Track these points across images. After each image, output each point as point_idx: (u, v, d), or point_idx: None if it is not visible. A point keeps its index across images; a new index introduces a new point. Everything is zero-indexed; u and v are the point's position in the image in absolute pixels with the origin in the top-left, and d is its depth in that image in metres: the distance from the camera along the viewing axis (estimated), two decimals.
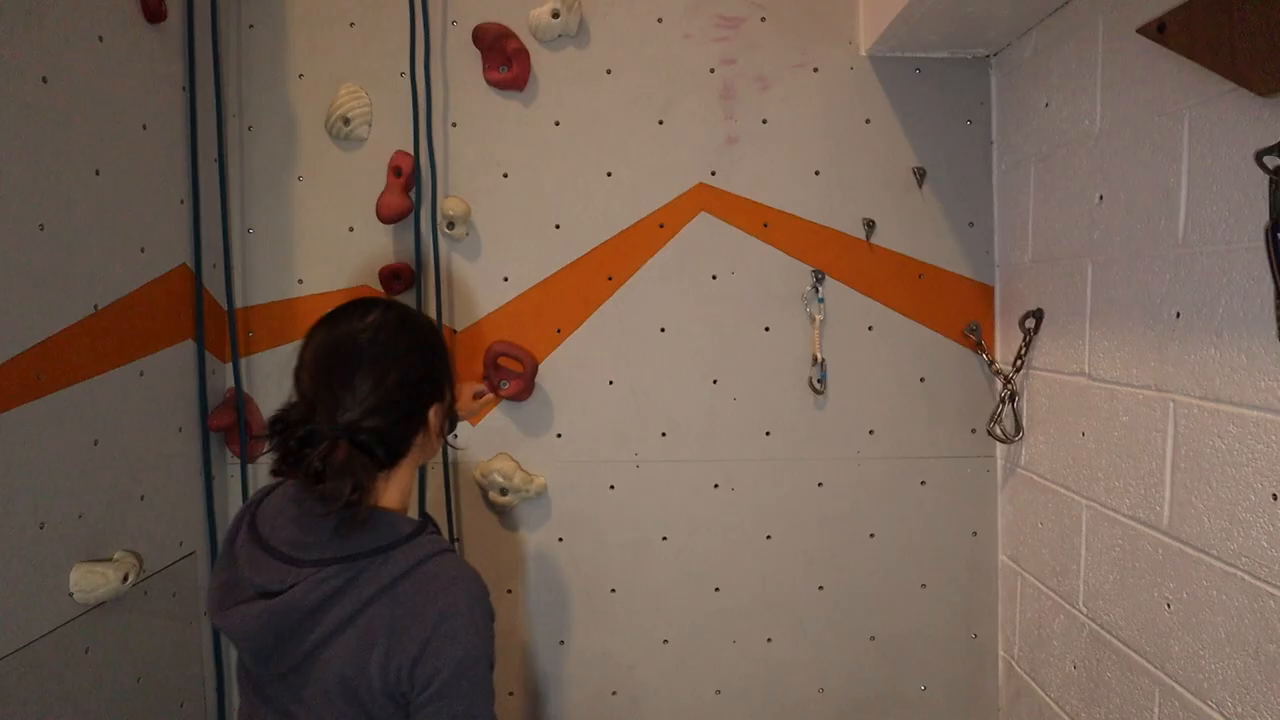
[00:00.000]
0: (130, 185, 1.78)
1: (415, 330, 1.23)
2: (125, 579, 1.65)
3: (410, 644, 1.06)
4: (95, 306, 1.68)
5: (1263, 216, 1.23)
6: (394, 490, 1.20)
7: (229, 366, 2.12)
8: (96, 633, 1.64)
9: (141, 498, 1.81)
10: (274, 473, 1.18)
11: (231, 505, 2.15)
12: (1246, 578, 1.30)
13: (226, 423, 2.08)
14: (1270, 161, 1.20)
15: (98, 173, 1.68)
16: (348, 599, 1.07)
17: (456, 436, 2.13)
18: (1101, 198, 1.66)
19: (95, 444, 1.67)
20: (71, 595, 1.57)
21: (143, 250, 1.82)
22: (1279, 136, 1.20)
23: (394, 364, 1.17)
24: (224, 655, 2.12)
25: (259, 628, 1.06)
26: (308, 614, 1.06)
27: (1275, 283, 1.19)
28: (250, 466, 2.15)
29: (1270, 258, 1.19)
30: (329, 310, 1.26)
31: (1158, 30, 1.41)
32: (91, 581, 1.59)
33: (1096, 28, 1.66)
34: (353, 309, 1.22)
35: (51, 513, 1.54)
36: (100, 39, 1.69)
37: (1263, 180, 1.22)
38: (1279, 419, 1.23)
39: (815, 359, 2.11)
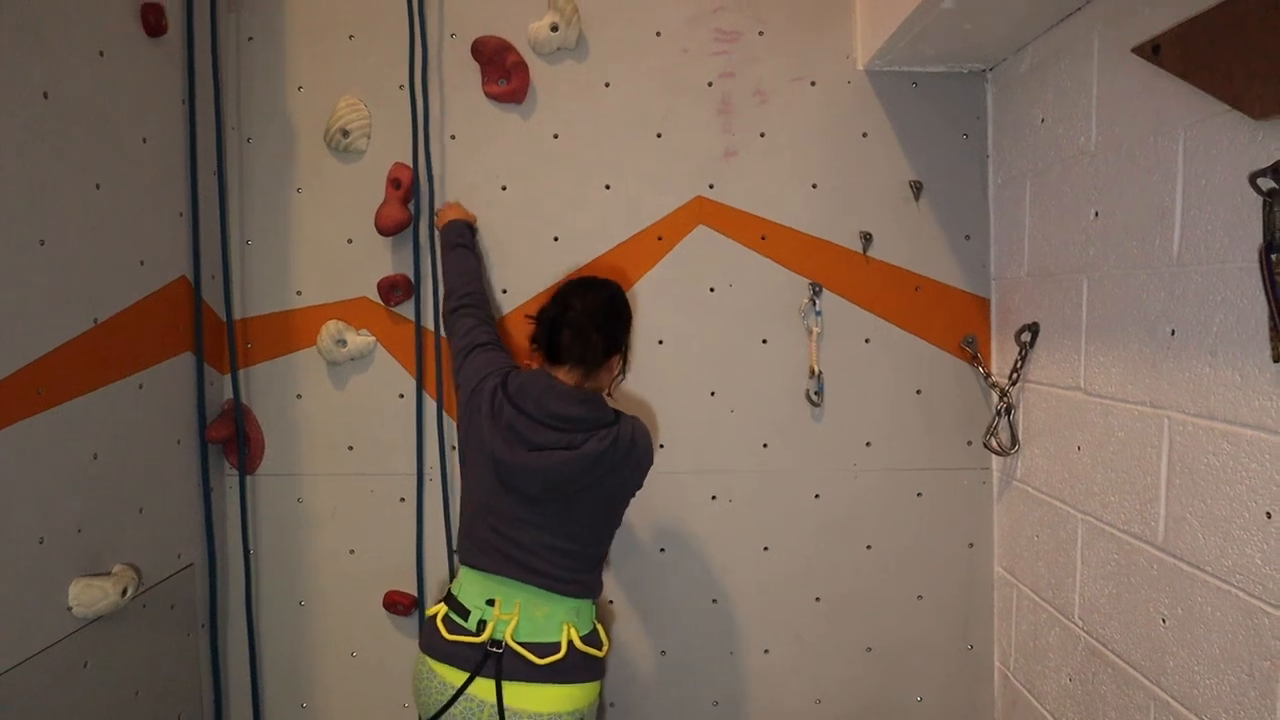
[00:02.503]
0: (130, 199, 1.79)
1: (623, 305, 1.74)
2: (124, 593, 1.65)
3: (640, 472, 1.66)
4: (95, 320, 1.68)
5: (1256, 237, 1.24)
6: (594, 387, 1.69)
7: (228, 378, 2.13)
8: (95, 647, 1.65)
9: (140, 511, 1.81)
10: (545, 357, 1.66)
11: (230, 517, 2.16)
12: (1241, 594, 1.31)
13: (224, 434, 2.08)
14: (1264, 184, 1.22)
15: (98, 187, 1.68)
16: (614, 449, 1.58)
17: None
18: (1097, 214, 1.67)
19: (94, 458, 1.67)
20: (70, 610, 1.58)
21: (142, 263, 1.83)
22: (1272, 159, 1.21)
23: (613, 316, 1.68)
24: (221, 668, 2.12)
25: (559, 467, 1.54)
26: (597, 457, 1.55)
27: (1269, 304, 1.20)
28: (248, 478, 2.16)
29: (1264, 279, 1.20)
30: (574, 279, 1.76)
31: (1152, 51, 1.42)
32: (91, 596, 1.60)
33: (1092, 45, 1.67)
34: (600, 279, 1.75)
35: (50, 527, 1.54)
36: (100, 54, 1.69)
37: (1256, 202, 1.23)
38: (1272, 438, 1.24)
39: (812, 371, 2.12)
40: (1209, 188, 1.36)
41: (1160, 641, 1.50)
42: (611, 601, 2.18)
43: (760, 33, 2.11)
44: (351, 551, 2.18)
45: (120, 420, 1.75)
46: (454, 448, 2.16)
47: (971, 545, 2.16)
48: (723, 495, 2.16)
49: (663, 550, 2.18)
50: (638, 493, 1.70)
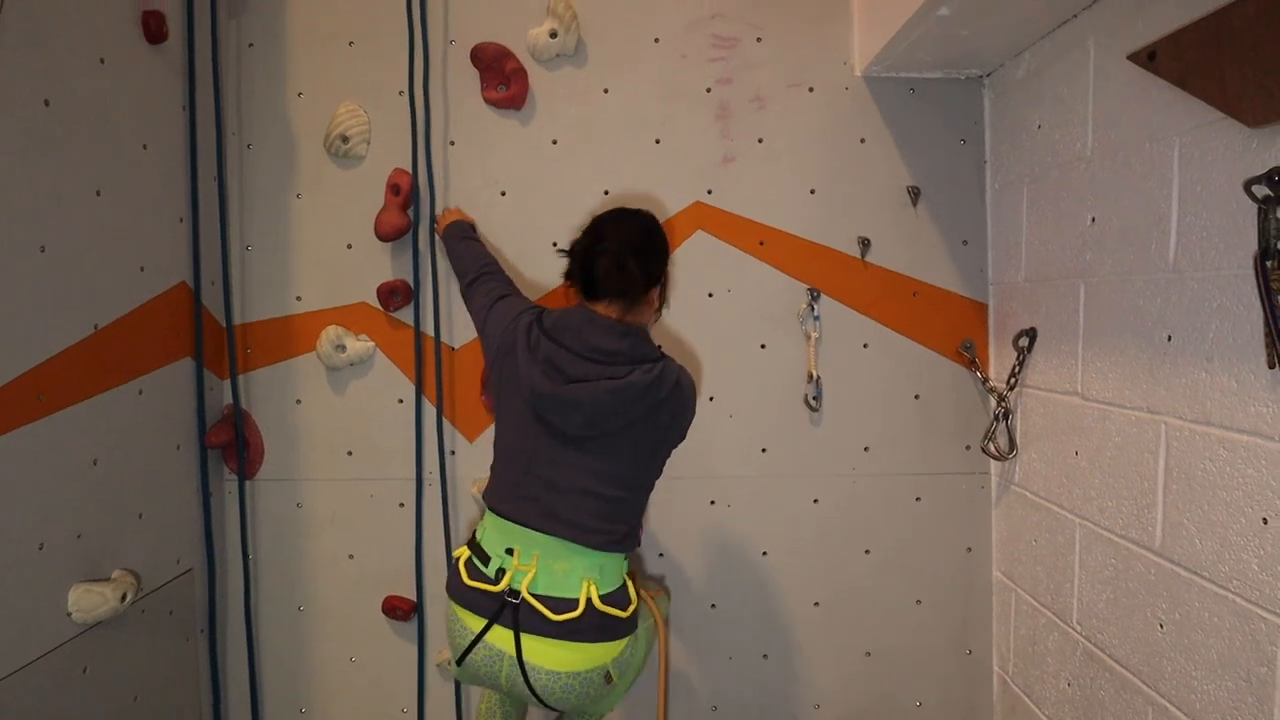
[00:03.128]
0: (130, 205, 1.79)
1: (659, 235, 1.66)
2: (123, 598, 1.65)
3: (683, 417, 1.60)
4: (95, 326, 1.68)
5: (1252, 244, 1.24)
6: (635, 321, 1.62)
7: (227, 383, 2.13)
8: (94, 652, 1.65)
9: (140, 516, 1.82)
10: (581, 292, 1.61)
11: (229, 522, 2.16)
12: (1238, 600, 1.31)
13: (224, 440, 2.08)
14: (1259, 191, 1.22)
15: (98, 193, 1.69)
16: (659, 384, 1.52)
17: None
18: (1093, 220, 1.68)
19: (94, 464, 1.67)
20: (70, 615, 1.58)
21: (142, 269, 1.83)
22: (1267, 166, 1.22)
23: (649, 246, 1.61)
24: (220, 673, 2.12)
25: (606, 395, 1.48)
26: (644, 389, 1.50)
27: (1264, 310, 1.20)
28: (248, 483, 2.16)
29: (1259, 286, 1.21)
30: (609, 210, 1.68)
31: (1148, 58, 1.43)
32: (90, 601, 1.60)
33: (1088, 52, 1.68)
34: (631, 208, 1.69)
35: (50, 533, 1.54)
36: (101, 61, 1.70)
37: (1251, 209, 1.24)
38: (1269, 444, 1.25)
39: (810, 376, 2.13)
40: (1205, 194, 1.37)
41: (1158, 647, 1.50)
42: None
43: (758, 39, 2.12)
44: (351, 556, 2.19)
45: (120, 426, 1.76)
46: (453, 452, 2.16)
47: (970, 550, 2.17)
48: (721, 500, 2.16)
49: (661, 555, 2.18)
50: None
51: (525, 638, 1.49)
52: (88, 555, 1.65)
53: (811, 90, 2.13)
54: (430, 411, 2.15)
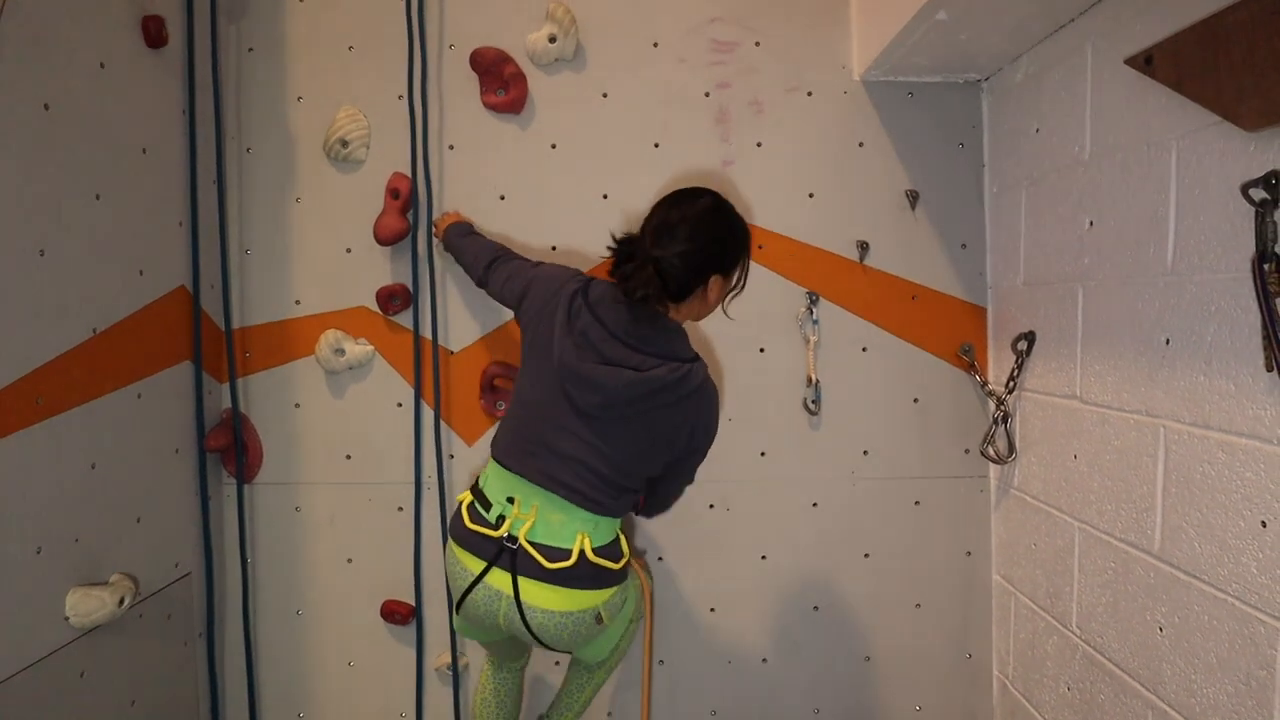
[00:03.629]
0: (130, 209, 1.79)
1: (725, 219, 1.60)
2: (121, 602, 1.65)
3: (699, 424, 1.60)
4: (94, 330, 1.68)
5: (1249, 247, 1.25)
6: (677, 317, 1.61)
7: (226, 387, 2.13)
8: (92, 656, 1.64)
9: (138, 520, 1.81)
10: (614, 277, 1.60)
11: (228, 526, 2.16)
12: (1237, 603, 1.31)
13: (223, 443, 2.08)
14: (1256, 194, 1.23)
15: (98, 197, 1.69)
16: (679, 386, 1.52)
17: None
18: (1091, 223, 1.68)
19: (93, 467, 1.67)
20: (68, 619, 1.57)
21: (141, 273, 1.83)
22: (1264, 169, 1.22)
23: (703, 234, 1.54)
24: (218, 677, 2.12)
25: (624, 385, 1.49)
26: (661, 387, 1.50)
27: (1262, 313, 1.20)
28: (246, 486, 2.16)
29: (1257, 289, 1.21)
30: (670, 192, 1.62)
31: (1145, 62, 1.43)
32: (88, 605, 1.59)
33: (1085, 56, 1.68)
34: (693, 189, 1.62)
35: (48, 537, 1.54)
36: (102, 65, 1.70)
37: (1249, 212, 1.24)
38: (1267, 447, 1.24)
39: (810, 380, 2.13)
40: (1202, 197, 1.37)
41: (1157, 650, 1.50)
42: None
43: (757, 43, 2.13)
44: (349, 561, 2.18)
45: (119, 430, 1.76)
46: (452, 456, 2.16)
47: (969, 553, 2.16)
48: (720, 504, 2.16)
49: (660, 559, 2.18)
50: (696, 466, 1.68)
51: (522, 580, 1.56)
52: (85, 559, 1.65)
53: (810, 94, 2.13)
54: (429, 415, 2.15)
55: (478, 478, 1.70)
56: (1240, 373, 1.29)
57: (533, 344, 1.64)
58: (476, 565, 1.59)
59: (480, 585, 1.58)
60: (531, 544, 1.56)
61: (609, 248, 1.62)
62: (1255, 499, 1.27)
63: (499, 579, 1.57)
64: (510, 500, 1.59)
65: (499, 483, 1.62)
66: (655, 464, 1.63)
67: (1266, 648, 1.25)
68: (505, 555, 1.57)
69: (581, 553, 1.56)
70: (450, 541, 1.67)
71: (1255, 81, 1.19)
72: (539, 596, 1.56)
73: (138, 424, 1.82)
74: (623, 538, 1.67)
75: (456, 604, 1.64)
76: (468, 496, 1.67)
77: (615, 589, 1.63)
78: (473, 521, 1.62)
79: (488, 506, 1.61)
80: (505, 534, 1.57)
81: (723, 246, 1.58)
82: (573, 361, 1.53)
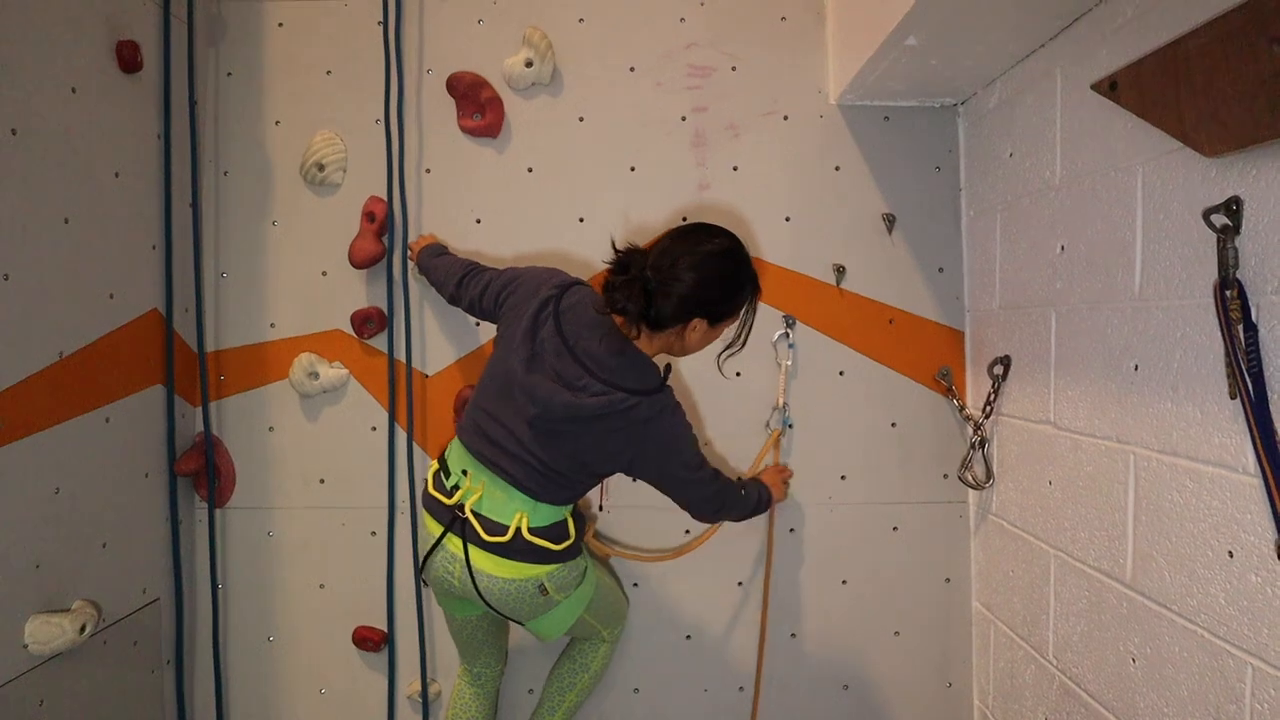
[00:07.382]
0: (100, 232, 1.79)
1: (731, 268, 1.56)
2: (82, 629, 1.63)
3: (639, 452, 1.59)
4: (60, 354, 1.68)
5: (1213, 273, 1.24)
6: (647, 346, 1.59)
7: (199, 410, 2.12)
8: (52, 685, 1.62)
9: (104, 545, 1.80)
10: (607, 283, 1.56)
11: (199, 551, 2.14)
12: (1207, 635, 1.29)
13: (194, 467, 2.06)
14: (1217, 220, 1.22)
15: (66, 221, 1.69)
16: (619, 417, 1.53)
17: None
18: (1063, 248, 1.67)
19: (56, 492, 1.66)
20: (26, 647, 1.55)
21: (111, 296, 1.83)
22: (1225, 195, 1.21)
23: (699, 274, 1.51)
24: (187, 706, 2.09)
25: (559, 406, 1.52)
26: (594, 415, 1.52)
27: (1225, 340, 1.19)
28: (218, 511, 2.14)
29: (1220, 315, 1.20)
30: (684, 225, 1.64)
31: (1110, 88, 1.43)
32: (47, 633, 1.57)
33: (1055, 81, 1.68)
34: (712, 228, 1.61)
35: (7, 564, 1.52)
36: (73, 90, 1.71)
37: (1211, 238, 1.23)
38: (1233, 475, 1.23)
39: (779, 404, 2.11)
40: (1167, 223, 1.36)
41: (1131, 682, 1.48)
42: None
43: (733, 68, 2.13)
44: (321, 586, 2.16)
45: (85, 454, 1.74)
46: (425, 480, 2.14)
47: (948, 580, 2.14)
48: (695, 530, 2.14)
49: (635, 585, 2.15)
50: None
51: (470, 547, 1.64)
52: (47, 585, 1.63)
53: (786, 118, 2.13)
54: (403, 439, 2.13)
55: (446, 448, 1.75)
56: (1206, 399, 1.28)
57: (501, 335, 1.69)
58: (436, 529, 1.68)
59: (439, 548, 1.67)
60: (476, 516, 1.63)
61: (609, 260, 1.58)
62: (1222, 528, 1.25)
63: (455, 543, 1.65)
64: (464, 473, 1.67)
65: (457, 455, 1.70)
66: (592, 474, 1.67)
67: (1236, 681, 1.23)
68: (457, 523, 1.65)
69: (518, 530, 1.61)
70: (421, 506, 1.76)
71: (1214, 108, 1.18)
72: (484, 562, 1.63)
73: (106, 448, 1.81)
74: (571, 521, 1.69)
75: (421, 565, 1.73)
76: (435, 465, 1.75)
77: (557, 565, 1.67)
78: (434, 488, 1.71)
79: (448, 474, 1.70)
80: (456, 503, 1.65)
81: (718, 294, 1.55)
82: (520, 370, 1.57)
